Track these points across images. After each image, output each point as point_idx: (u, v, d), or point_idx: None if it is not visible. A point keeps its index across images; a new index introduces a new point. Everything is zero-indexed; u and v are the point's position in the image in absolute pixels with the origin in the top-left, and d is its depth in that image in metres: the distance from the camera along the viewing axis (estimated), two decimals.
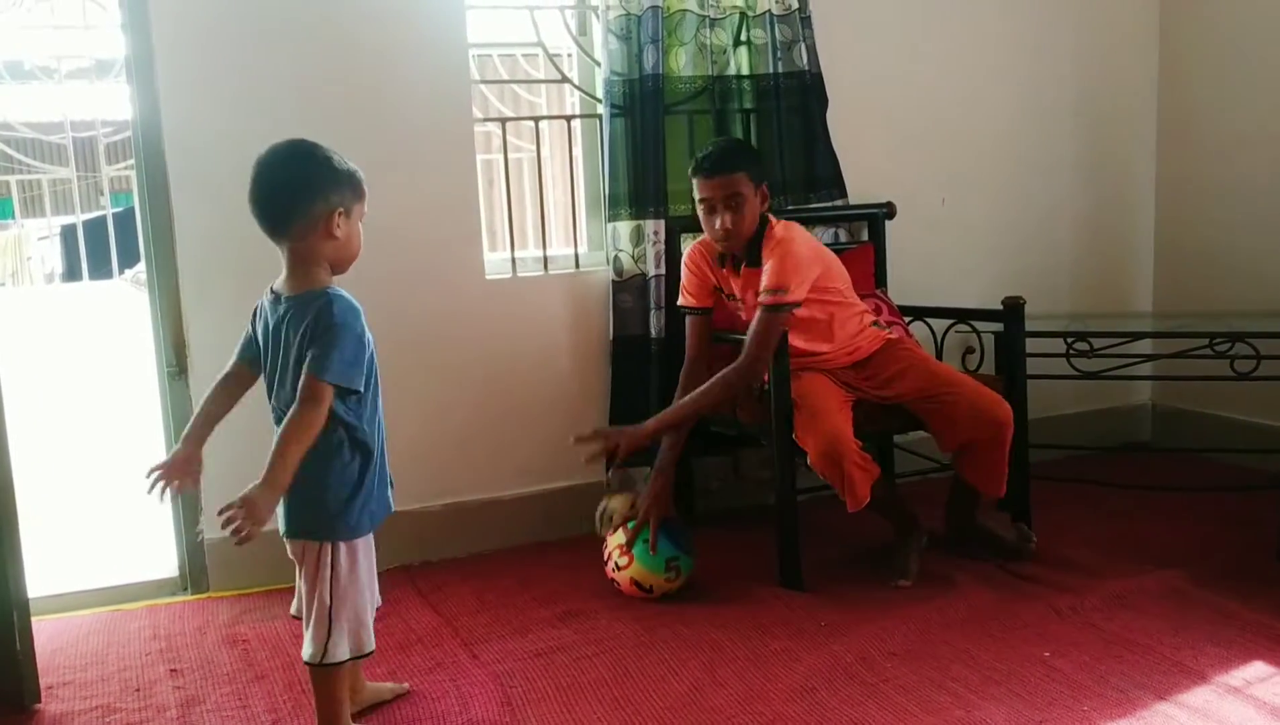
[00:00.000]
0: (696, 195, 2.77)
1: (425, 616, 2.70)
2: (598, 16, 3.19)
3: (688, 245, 3.23)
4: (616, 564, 2.71)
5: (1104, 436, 3.84)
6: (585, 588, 2.83)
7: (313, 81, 2.88)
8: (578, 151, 3.37)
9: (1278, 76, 3.47)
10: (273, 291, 1.97)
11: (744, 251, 2.79)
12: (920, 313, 3.22)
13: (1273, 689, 2.13)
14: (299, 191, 1.88)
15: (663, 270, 3.18)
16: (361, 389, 1.91)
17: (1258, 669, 2.22)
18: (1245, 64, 3.58)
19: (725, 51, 3.26)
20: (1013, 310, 2.90)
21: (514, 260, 3.24)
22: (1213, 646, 2.32)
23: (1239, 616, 2.46)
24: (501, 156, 3.28)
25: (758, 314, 2.69)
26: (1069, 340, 3.17)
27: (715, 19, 3.23)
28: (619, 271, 3.22)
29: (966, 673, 2.26)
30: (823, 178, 3.32)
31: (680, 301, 2.95)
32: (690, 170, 2.79)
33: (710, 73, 3.24)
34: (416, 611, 2.73)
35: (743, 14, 3.24)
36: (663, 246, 3.18)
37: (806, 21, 3.28)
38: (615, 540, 2.73)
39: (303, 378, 1.85)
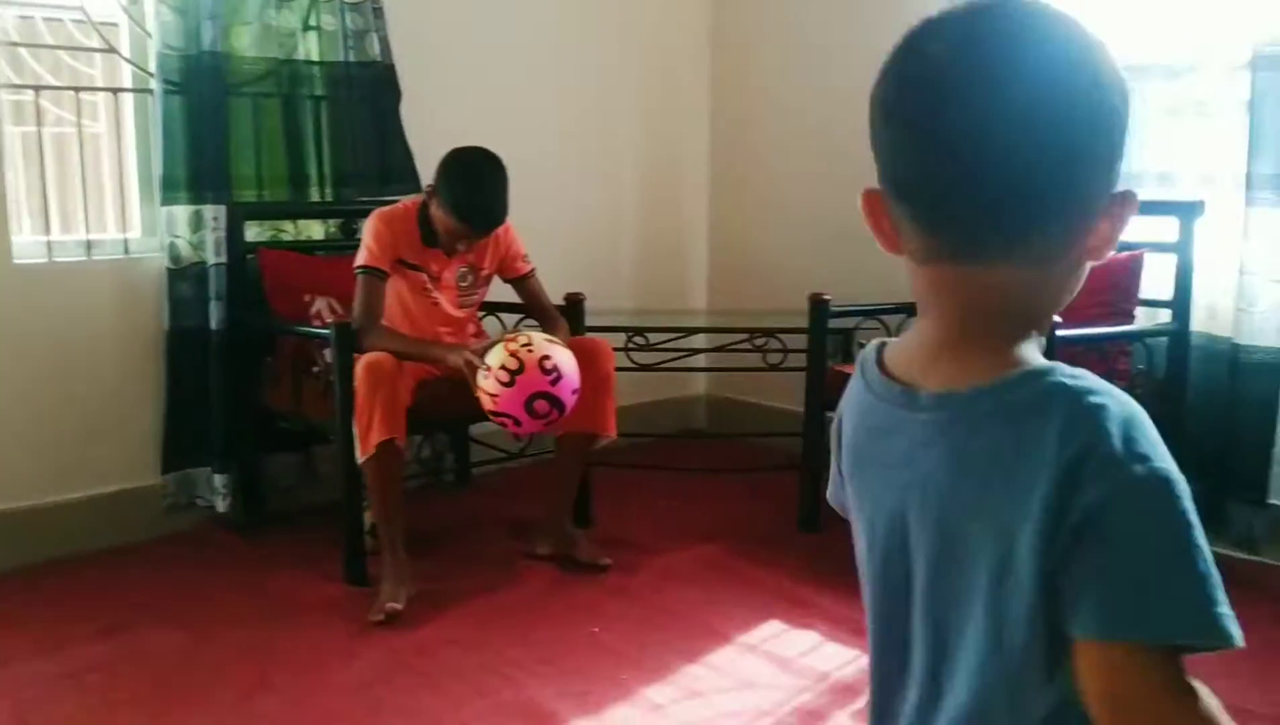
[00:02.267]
0: None
1: None
2: None
3: (253, 231, 3.11)
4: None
5: (665, 425, 4.14)
6: (131, 599, 2.63)
7: None
8: (129, 128, 3.12)
9: (816, 88, 3.89)
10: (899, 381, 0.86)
11: None
12: (491, 308, 3.29)
13: (781, 643, 2.41)
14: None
15: (224, 258, 3.02)
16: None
17: (772, 627, 2.50)
18: (788, 74, 3.99)
19: (294, 35, 3.15)
20: (574, 306, 3.06)
21: (50, 244, 2.94)
22: (739, 610, 2.58)
23: (763, 582, 2.75)
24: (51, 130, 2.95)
25: (534, 281, 3.01)
26: (628, 335, 3.39)
27: (283, 0, 3.12)
28: (175, 259, 3.02)
29: (521, 654, 2.35)
30: (396, 169, 3.30)
31: (370, 261, 2.76)
32: None
33: (279, 55, 3.12)
34: None
35: None
36: (224, 233, 3.01)
37: (379, 12, 3.25)
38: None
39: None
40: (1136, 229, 2.94)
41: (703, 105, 4.25)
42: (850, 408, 0.91)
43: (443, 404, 2.77)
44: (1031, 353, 0.80)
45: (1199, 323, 2.85)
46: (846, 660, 2.32)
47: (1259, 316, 2.73)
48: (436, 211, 2.77)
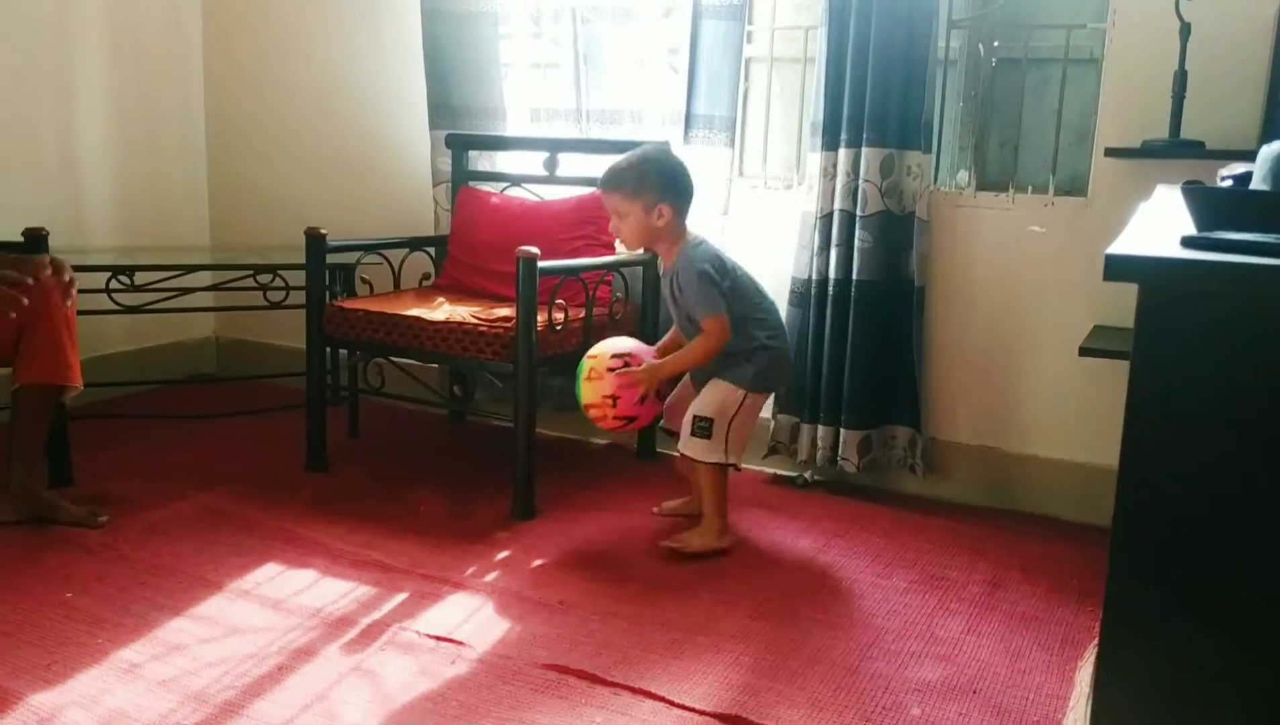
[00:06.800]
0: None
1: None
2: None
3: None
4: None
5: (172, 370, 3.88)
6: None
7: None
8: None
9: (314, 22, 3.77)
10: None
11: None
12: None
13: (277, 585, 2.37)
14: None
15: None
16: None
17: (269, 570, 2.45)
18: (287, 9, 3.83)
19: None
20: (35, 243, 2.75)
21: None
22: (234, 557, 2.50)
23: (262, 525, 2.68)
24: None
25: None
26: (110, 275, 3.12)
27: None
28: None
29: None
30: None
31: None
32: None
33: None
34: None
35: None
36: None
37: None
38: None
39: None
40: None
41: (194, 33, 3.96)
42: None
43: None
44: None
45: None
46: (342, 593, 2.33)
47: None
48: None
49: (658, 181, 2.58)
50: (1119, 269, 0.98)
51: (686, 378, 2.75)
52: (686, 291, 2.57)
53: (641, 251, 2.81)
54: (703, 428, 2.56)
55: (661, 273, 2.78)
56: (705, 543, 2.59)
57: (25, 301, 2.40)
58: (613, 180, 2.62)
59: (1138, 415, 1.02)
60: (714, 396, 2.58)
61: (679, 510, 2.83)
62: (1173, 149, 2.53)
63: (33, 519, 2.62)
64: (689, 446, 2.59)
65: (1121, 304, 2.64)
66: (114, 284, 3.15)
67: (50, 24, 3.49)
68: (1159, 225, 1.24)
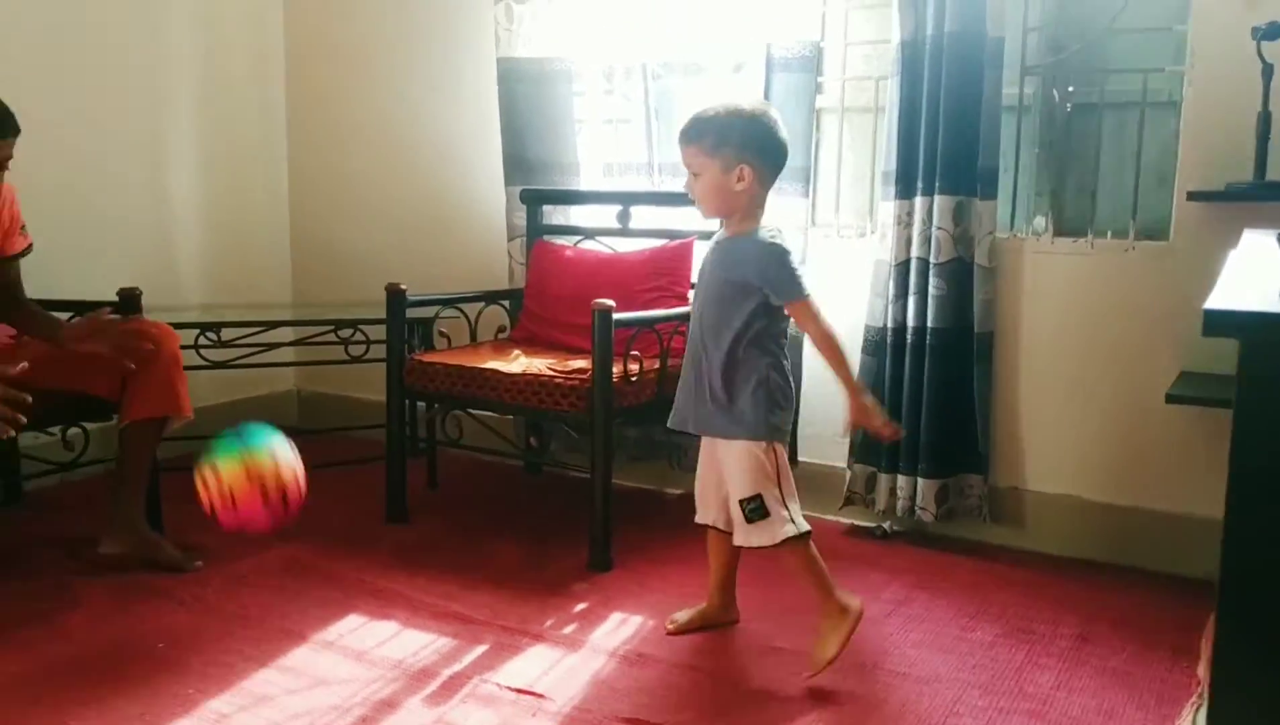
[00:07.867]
0: None
1: None
2: None
3: None
4: None
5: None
6: None
7: None
8: None
9: (390, 85, 3.89)
10: None
11: None
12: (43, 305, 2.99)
13: (360, 637, 2.40)
14: None
15: None
16: None
17: (351, 622, 2.48)
18: (363, 70, 3.95)
19: None
20: (129, 302, 2.85)
21: None
22: (317, 609, 2.54)
23: (344, 577, 2.72)
24: None
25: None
26: (199, 332, 3.22)
27: None
28: None
29: (70, 683, 2.16)
30: None
31: None
32: None
33: None
34: None
35: None
36: None
37: None
38: None
39: None
40: (686, 218, 3.22)
41: (279, 97, 4.10)
42: None
43: None
44: None
45: None
46: (423, 644, 2.35)
47: None
48: None
49: (742, 138, 2.18)
50: (1219, 323, 0.97)
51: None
52: (769, 272, 2.21)
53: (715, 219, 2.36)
54: (755, 510, 2.20)
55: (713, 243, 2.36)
56: (839, 638, 2.19)
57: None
58: (692, 130, 2.23)
59: (1243, 471, 0.99)
60: (741, 466, 2.22)
61: (695, 623, 2.44)
62: (1258, 191, 2.48)
63: (134, 555, 2.70)
64: (752, 537, 2.22)
65: (1207, 351, 2.59)
66: (202, 341, 3.24)
67: (142, 90, 3.64)
68: (1254, 275, 1.22)
